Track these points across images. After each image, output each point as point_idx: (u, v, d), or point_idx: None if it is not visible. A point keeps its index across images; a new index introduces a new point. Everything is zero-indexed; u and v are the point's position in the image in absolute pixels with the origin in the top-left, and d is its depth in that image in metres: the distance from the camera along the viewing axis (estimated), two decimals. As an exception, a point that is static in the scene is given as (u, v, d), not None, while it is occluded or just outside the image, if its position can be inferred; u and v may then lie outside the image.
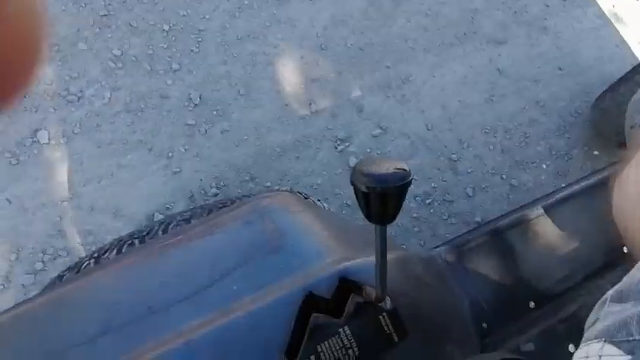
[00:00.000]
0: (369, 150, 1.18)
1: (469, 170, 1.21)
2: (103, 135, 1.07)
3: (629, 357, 0.19)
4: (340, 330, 0.36)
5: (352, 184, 0.30)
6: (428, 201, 1.15)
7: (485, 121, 1.28)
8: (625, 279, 0.25)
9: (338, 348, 0.36)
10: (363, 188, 0.28)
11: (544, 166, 1.24)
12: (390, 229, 1.11)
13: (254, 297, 0.37)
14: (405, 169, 0.29)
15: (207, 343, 0.33)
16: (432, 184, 1.17)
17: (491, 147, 1.25)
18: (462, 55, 1.33)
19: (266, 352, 0.34)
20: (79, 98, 1.08)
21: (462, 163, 1.21)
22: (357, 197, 0.30)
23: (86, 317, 0.34)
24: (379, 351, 0.37)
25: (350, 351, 0.36)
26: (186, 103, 1.13)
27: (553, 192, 0.75)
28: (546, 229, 0.71)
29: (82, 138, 1.05)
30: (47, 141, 1.03)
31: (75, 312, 0.34)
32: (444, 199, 1.16)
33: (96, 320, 0.34)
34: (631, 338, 0.20)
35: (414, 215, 1.13)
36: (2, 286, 0.92)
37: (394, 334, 0.38)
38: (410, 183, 0.30)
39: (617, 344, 0.20)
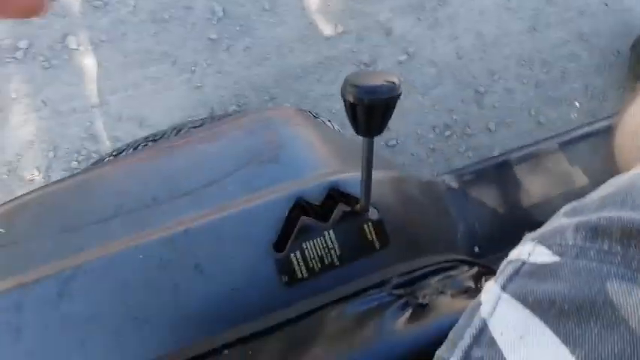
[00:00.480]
0: (392, 76, 1.14)
1: (496, 104, 1.16)
2: (129, 44, 1.08)
3: (558, 258, 0.20)
4: (325, 233, 0.40)
5: (342, 95, 0.30)
6: (447, 133, 1.14)
7: (523, 52, 1.19)
8: (586, 196, 0.25)
9: (321, 247, 0.39)
10: (351, 99, 0.28)
11: (577, 104, 1.17)
12: (404, 158, 1.12)
13: (249, 198, 0.40)
14: (394, 82, 0.29)
15: (203, 231, 0.37)
16: (454, 117, 1.14)
17: (525, 80, 1.18)
18: (509, -25, 1.20)
19: (256, 244, 0.38)
20: (105, 4, 1.08)
21: (489, 96, 1.16)
22: (345, 109, 0.31)
23: (100, 201, 0.39)
24: (360, 254, 0.40)
25: (332, 251, 0.39)
26: (210, 17, 1.11)
27: (573, 128, 0.72)
28: (558, 165, 0.70)
29: (109, 46, 1.07)
30: (76, 47, 1.06)
31: (91, 196, 0.39)
32: (463, 132, 1.14)
33: (108, 204, 0.38)
34: (564, 242, 0.20)
35: (431, 146, 1.13)
36: (44, 179, 1.02)
37: (376, 241, 0.41)
38: (398, 96, 0.29)
39: (548, 246, 0.21)
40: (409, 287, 0.28)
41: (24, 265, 0.34)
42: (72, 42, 1.05)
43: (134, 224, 0.38)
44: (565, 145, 0.70)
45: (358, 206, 0.39)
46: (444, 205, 0.63)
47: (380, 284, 0.29)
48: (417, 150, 1.13)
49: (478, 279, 0.28)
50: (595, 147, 0.72)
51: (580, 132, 0.70)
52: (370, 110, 0.29)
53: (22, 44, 1.05)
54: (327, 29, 1.15)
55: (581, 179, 0.71)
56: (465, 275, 0.29)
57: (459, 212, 0.64)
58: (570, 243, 0.20)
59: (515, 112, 1.16)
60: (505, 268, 0.22)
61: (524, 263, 0.21)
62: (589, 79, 1.19)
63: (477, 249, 0.64)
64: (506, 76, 1.17)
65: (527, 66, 1.18)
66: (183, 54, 1.10)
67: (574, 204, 0.23)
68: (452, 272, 0.29)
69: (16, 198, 0.39)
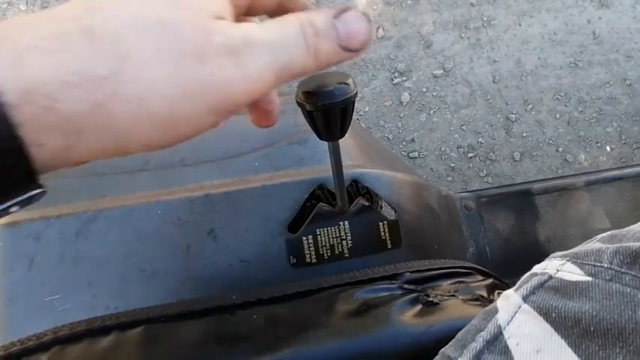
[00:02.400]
0: (424, 89, 1.14)
1: (524, 134, 1.15)
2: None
3: (589, 279, 0.19)
4: (340, 223, 0.40)
5: (297, 102, 0.28)
6: (470, 155, 1.13)
7: (560, 86, 1.18)
8: (626, 228, 0.24)
9: (334, 236, 0.39)
10: (307, 106, 0.27)
11: (608, 148, 1.15)
12: (423, 172, 1.12)
13: (272, 175, 0.41)
14: (347, 83, 0.27)
15: (223, 199, 0.38)
16: (480, 139, 1.13)
17: (558, 115, 1.16)
18: (559, 8, 1.19)
19: (271, 221, 0.39)
20: None
21: (518, 125, 1.15)
22: (304, 116, 0.29)
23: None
24: (370, 250, 0.40)
25: (344, 242, 0.40)
26: (256, 1, 1.13)
27: (603, 170, 0.71)
28: (580, 204, 0.68)
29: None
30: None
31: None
32: (487, 157, 1.13)
33: (137, 158, 0.39)
34: (598, 264, 0.20)
35: (452, 165, 1.12)
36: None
37: (389, 241, 0.41)
38: (353, 98, 0.27)
39: (580, 265, 0.20)
40: (421, 285, 0.28)
41: (49, 200, 0.35)
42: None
43: (158, 181, 0.38)
44: (591, 185, 0.69)
45: (337, 207, 0.39)
46: (458, 223, 0.62)
47: (392, 277, 0.29)
48: (438, 166, 1.12)
49: (492, 290, 0.28)
50: (622, 192, 0.71)
51: (609, 174, 0.69)
52: (327, 115, 0.28)
53: None
54: (368, 32, 1.16)
55: (602, 221, 0.70)
56: (479, 284, 0.28)
57: (472, 233, 0.64)
58: (605, 265, 0.19)
59: (543, 145, 1.15)
60: (528, 280, 0.21)
61: (550, 277, 0.21)
62: (625, 124, 1.16)
63: (483, 271, 0.63)
64: (540, 108, 1.16)
65: (563, 101, 1.17)
66: (225, 34, 1.12)
67: (612, 232, 0.22)
68: (466, 279, 0.29)
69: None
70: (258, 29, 0.17)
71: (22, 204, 0.16)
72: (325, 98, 0.27)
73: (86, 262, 0.34)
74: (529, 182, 0.71)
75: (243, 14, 0.20)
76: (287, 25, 0.18)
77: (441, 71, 1.15)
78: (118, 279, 0.34)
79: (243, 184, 0.39)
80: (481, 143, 1.14)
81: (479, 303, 0.26)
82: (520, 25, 1.17)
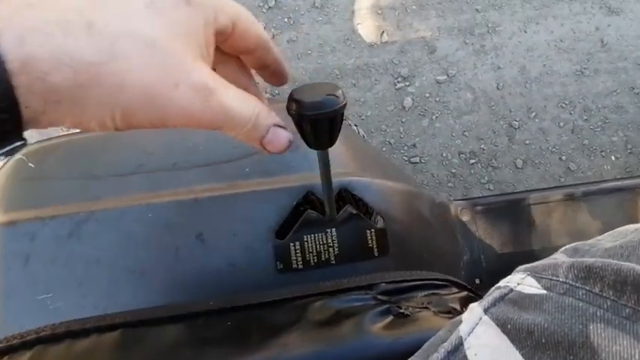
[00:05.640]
0: (427, 95, 1.14)
1: (527, 141, 1.14)
2: (180, 18, 1.12)
3: (544, 292, 0.20)
4: (328, 230, 0.41)
5: (287, 110, 0.28)
6: (472, 161, 1.12)
7: (565, 94, 1.17)
8: (591, 240, 0.25)
9: (321, 243, 0.40)
10: (295, 115, 0.28)
11: (613, 158, 1.14)
12: (424, 177, 1.12)
13: (262, 181, 0.41)
14: (337, 95, 0.28)
15: (212, 204, 0.39)
16: (482, 146, 1.13)
17: (562, 124, 1.15)
18: (567, 15, 1.18)
19: (260, 227, 0.39)
20: (165, -24, 1.12)
21: (521, 132, 1.14)
22: (294, 124, 0.29)
23: (124, 156, 0.41)
24: (357, 257, 0.41)
25: (331, 249, 0.40)
26: (261, 4, 1.14)
27: (602, 180, 0.71)
28: (577, 214, 0.68)
29: (161, 17, 1.11)
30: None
31: (117, 150, 0.41)
32: (489, 164, 1.12)
33: (131, 161, 0.40)
34: (554, 278, 0.20)
35: (453, 171, 1.12)
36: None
37: (376, 249, 0.42)
38: (342, 109, 0.28)
39: (538, 279, 0.21)
40: (395, 296, 0.28)
41: (45, 201, 0.37)
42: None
43: (150, 184, 0.39)
44: (590, 195, 0.69)
45: (326, 216, 0.39)
46: (452, 231, 0.62)
47: (367, 287, 0.29)
48: (439, 172, 1.12)
49: (465, 303, 0.28)
50: (620, 203, 0.70)
51: (608, 185, 0.68)
52: (315, 125, 0.28)
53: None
54: (371, 36, 1.16)
55: (599, 233, 0.69)
56: (452, 296, 0.29)
57: (466, 241, 0.64)
58: (561, 279, 0.20)
59: (546, 153, 1.14)
60: (492, 293, 0.22)
61: (511, 290, 0.21)
62: (631, 133, 1.15)
63: (477, 281, 0.63)
64: (544, 116, 1.15)
65: (568, 109, 1.16)
66: (230, 36, 1.13)
67: (577, 244, 0.23)
68: (440, 291, 0.30)
69: (49, 139, 0.41)
70: (224, 90, 0.22)
71: (7, 153, 0.19)
72: (314, 109, 0.27)
73: (78, 262, 0.35)
74: (525, 191, 0.71)
75: (224, 51, 0.25)
76: (245, 105, 0.23)
77: (445, 77, 1.15)
78: (108, 280, 0.35)
79: (232, 189, 0.40)
80: (483, 150, 1.13)
81: (450, 315, 0.26)
82: (526, 31, 1.17)
